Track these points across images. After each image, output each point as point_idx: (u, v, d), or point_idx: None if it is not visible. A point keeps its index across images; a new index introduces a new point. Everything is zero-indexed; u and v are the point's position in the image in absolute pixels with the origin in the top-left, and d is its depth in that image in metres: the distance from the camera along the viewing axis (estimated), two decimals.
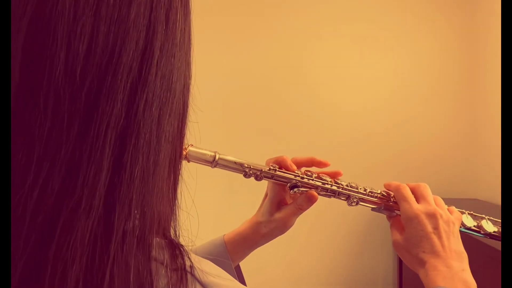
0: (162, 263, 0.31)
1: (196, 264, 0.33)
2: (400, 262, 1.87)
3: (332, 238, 2.01)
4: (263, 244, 0.67)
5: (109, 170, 0.27)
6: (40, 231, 0.26)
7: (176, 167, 0.35)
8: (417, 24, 2.02)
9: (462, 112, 2.03)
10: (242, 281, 0.66)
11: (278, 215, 0.64)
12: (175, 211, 0.36)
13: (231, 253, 0.65)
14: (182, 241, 0.36)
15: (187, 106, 0.36)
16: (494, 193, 1.88)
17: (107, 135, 0.27)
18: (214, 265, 0.36)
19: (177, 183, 0.36)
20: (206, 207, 1.87)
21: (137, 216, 0.29)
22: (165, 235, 0.33)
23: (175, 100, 0.32)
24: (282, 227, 0.65)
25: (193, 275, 0.32)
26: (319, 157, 0.65)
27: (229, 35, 1.95)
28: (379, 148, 1.96)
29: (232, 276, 0.61)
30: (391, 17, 2.01)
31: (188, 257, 0.33)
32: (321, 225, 1.99)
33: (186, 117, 0.36)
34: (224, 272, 0.36)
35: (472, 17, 2.01)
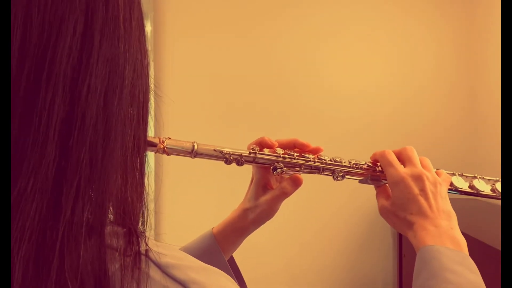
0: (116, 250, 0.31)
1: (153, 248, 0.33)
2: (400, 262, 1.87)
3: (332, 238, 2.00)
4: (253, 231, 0.66)
5: (55, 155, 0.28)
6: None
7: (141, 154, 0.36)
8: (415, 15, 2.00)
9: (463, 111, 2.01)
10: (237, 273, 0.65)
11: (263, 199, 0.63)
12: (144, 200, 0.36)
13: (221, 244, 0.64)
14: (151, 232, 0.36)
15: (146, 93, 0.36)
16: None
17: (50, 120, 0.27)
18: (180, 251, 0.36)
19: (144, 172, 0.36)
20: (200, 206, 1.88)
21: (88, 203, 0.29)
22: (127, 224, 0.33)
23: (125, 84, 0.32)
24: (268, 211, 0.64)
25: (147, 256, 0.32)
26: (301, 139, 0.64)
27: (230, 34, 1.95)
28: (379, 146, 1.95)
29: (224, 268, 0.61)
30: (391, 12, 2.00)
31: (145, 242, 0.33)
32: (321, 225, 1.99)
33: (147, 104, 0.36)
34: (190, 256, 0.35)
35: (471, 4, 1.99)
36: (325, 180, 2.17)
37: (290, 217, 1.93)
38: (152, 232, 0.36)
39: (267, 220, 0.65)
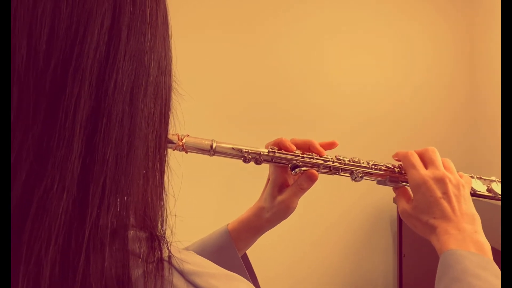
0: (139, 256, 0.31)
1: (176, 254, 0.33)
2: (400, 263, 1.87)
3: (332, 238, 2.00)
4: (268, 230, 0.66)
5: (81, 151, 0.27)
6: (12, 216, 0.26)
7: (162, 153, 0.35)
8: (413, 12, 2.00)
9: (462, 112, 2.02)
10: (250, 270, 0.65)
11: (280, 198, 0.63)
12: (163, 201, 0.35)
13: (236, 241, 0.64)
14: (170, 234, 0.35)
15: (169, 90, 0.36)
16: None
17: (77, 116, 0.27)
18: (200, 257, 0.35)
19: (164, 172, 0.36)
20: (208, 203, 1.88)
21: (114, 204, 0.29)
22: (148, 227, 0.33)
23: (150, 81, 0.31)
24: (285, 210, 0.63)
25: (170, 263, 0.32)
26: (317, 143, 0.63)
27: (230, 34, 1.95)
28: (380, 144, 1.95)
29: (237, 264, 0.61)
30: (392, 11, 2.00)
31: (168, 248, 0.33)
32: (322, 226, 1.99)
33: (169, 102, 0.36)
34: (210, 262, 0.35)
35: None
36: (325, 182, 2.18)
37: (292, 220, 1.93)
38: (174, 236, 0.35)
39: (284, 219, 0.65)
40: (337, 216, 2.00)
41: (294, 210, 0.64)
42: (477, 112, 1.98)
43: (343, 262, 2.01)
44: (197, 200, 1.89)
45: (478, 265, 0.50)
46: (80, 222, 0.27)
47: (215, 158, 0.62)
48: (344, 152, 0.64)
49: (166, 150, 0.36)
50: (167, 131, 0.36)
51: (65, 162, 0.27)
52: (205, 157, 0.61)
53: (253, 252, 0.68)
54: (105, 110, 0.28)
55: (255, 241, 0.67)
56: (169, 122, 0.36)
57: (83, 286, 0.27)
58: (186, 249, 0.59)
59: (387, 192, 1.68)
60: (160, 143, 0.34)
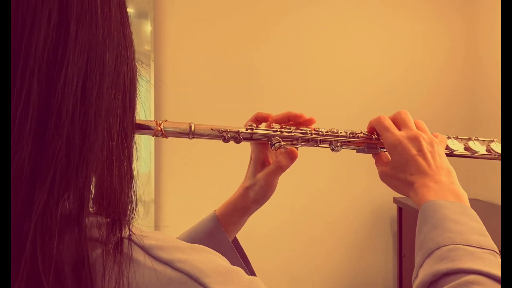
0: (97, 240, 0.31)
1: (137, 233, 0.33)
2: (400, 262, 1.88)
3: (332, 238, 2.01)
4: (255, 210, 0.66)
5: (30, 150, 0.27)
6: None
7: (129, 141, 0.35)
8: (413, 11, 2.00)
9: (463, 112, 2.02)
10: (242, 253, 0.66)
11: (260, 175, 0.64)
12: (133, 188, 0.35)
13: (224, 225, 0.65)
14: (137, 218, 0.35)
15: (133, 79, 0.35)
16: (494, 193, 1.87)
17: (25, 115, 0.27)
18: (165, 234, 0.35)
19: (132, 159, 0.36)
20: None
21: (64, 195, 0.29)
22: (110, 213, 0.33)
23: (107, 73, 0.31)
24: (266, 188, 0.64)
25: (130, 239, 0.32)
26: (295, 111, 0.64)
27: (230, 34, 1.95)
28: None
29: (229, 248, 0.61)
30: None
31: (129, 228, 0.33)
32: (322, 226, 2.00)
33: (134, 90, 0.36)
34: (175, 238, 0.35)
35: None
36: (325, 181, 2.18)
37: (291, 218, 1.95)
38: (139, 221, 0.35)
39: (267, 197, 0.65)
40: (337, 216, 2.01)
41: (275, 188, 0.64)
42: (478, 112, 1.99)
43: (343, 262, 2.02)
44: (186, 195, 1.90)
45: (456, 211, 0.51)
46: (27, 215, 0.27)
47: (201, 152, 0.63)
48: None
49: (133, 137, 0.36)
50: (133, 119, 0.36)
51: (13, 161, 0.27)
52: (193, 153, 0.62)
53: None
54: (54, 108, 0.28)
55: (243, 223, 0.67)
56: (135, 109, 0.36)
57: (31, 272, 0.27)
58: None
59: (387, 192, 1.69)
60: (126, 131, 0.34)
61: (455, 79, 2.05)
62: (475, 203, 1.82)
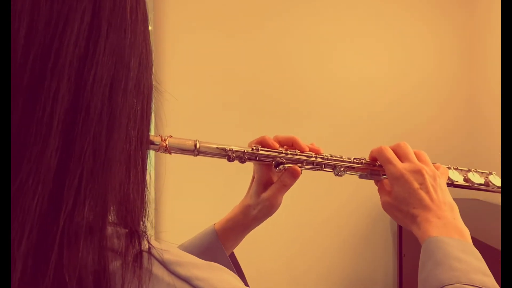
0: (117, 252, 0.31)
1: (156, 245, 0.33)
2: (400, 262, 1.88)
3: (332, 238, 2.01)
4: (254, 227, 0.66)
5: (58, 146, 0.27)
6: None
7: (144, 150, 0.35)
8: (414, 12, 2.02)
9: (463, 112, 2.04)
10: (239, 269, 0.65)
11: (264, 195, 0.64)
12: (145, 197, 0.35)
13: (223, 241, 0.64)
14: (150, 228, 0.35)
15: (150, 87, 0.36)
16: (494, 193, 1.86)
17: (55, 110, 0.27)
18: (179, 249, 0.35)
19: (146, 168, 0.36)
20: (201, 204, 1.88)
21: (90, 197, 0.29)
22: (128, 223, 0.33)
23: (131, 76, 0.32)
24: (269, 207, 0.64)
25: (150, 253, 0.32)
26: (300, 139, 0.64)
27: (230, 34, 1.95)
28: (378, 141, 1.96)
29: (226, 264, 0.61)
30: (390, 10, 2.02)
31: (148, 241, 0.33)
32: (321, 225, 2.00)
33: (151, 98, 0.36)
34: (191, 255, 0.35)
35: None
36: (325, 181, 2.17)
37: (290, 217, 1.94)
38: (153, 231, 0.35)
39: (269, 216, 0.65)
40: (337, 215, 2.00)
41: (279, 206, 0.65)
42: (477, 114, 2.00)
43: (343, 261, 2.01)
44: (189, 198, 1.90)
45: (459, 249, 0.51)
46: (54, 215, 0.27)
47: (201, 158, 0.63)
48: (340, 149, 0.65)
49: (148, 147, 0.36)
50: (148, 128, 0.36)
51: (41, 156, 0.26)
52: (192, 157, 0.62)
53: (250, 248, 0.68)
54: (83, 104, 0.28)
55: (241, 240, 0.67)
56: (150, 118, 0.36)
57: (56, 278, 0.27)
58: None
59: None
60: (142, 139, 0.34)
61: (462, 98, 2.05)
62: (475, 203, 1.81)
